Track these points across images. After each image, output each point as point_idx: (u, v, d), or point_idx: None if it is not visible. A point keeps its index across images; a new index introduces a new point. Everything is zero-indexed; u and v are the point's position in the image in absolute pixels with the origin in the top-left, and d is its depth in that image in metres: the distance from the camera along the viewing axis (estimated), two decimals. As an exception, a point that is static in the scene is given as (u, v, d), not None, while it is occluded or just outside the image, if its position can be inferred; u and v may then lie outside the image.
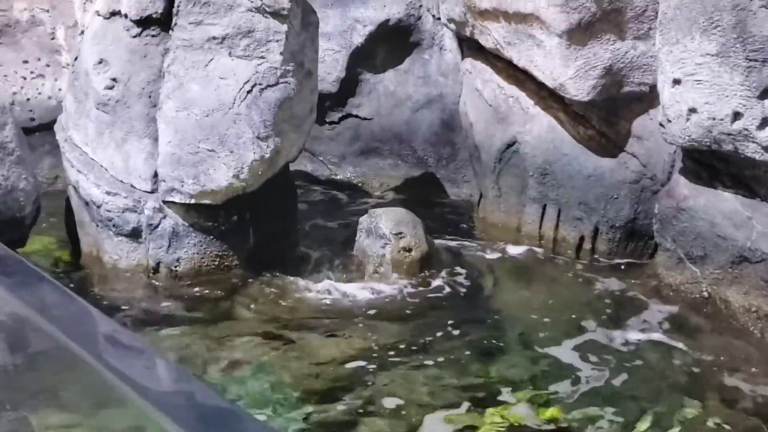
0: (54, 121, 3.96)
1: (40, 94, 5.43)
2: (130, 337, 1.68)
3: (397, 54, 5.74)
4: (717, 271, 3.33)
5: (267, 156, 3.48)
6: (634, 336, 3.30)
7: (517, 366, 3.06)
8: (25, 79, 5.45)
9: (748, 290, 3.22)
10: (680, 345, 3.19)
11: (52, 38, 5.47)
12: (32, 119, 5.37)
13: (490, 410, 2.71)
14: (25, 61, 5.45)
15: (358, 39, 5.66)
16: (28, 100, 5.46)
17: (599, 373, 2.98)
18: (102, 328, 1.62)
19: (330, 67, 5.73)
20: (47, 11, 5.51)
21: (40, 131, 5.24)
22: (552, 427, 2.63)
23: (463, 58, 5.14)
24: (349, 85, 5.83)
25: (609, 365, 3.04)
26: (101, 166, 3.51)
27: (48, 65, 5.46)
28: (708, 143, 3.23)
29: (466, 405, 2.75)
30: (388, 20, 5.61)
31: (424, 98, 5.71)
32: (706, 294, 3.39)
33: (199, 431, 1.16)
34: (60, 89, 5.32)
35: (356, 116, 5.93)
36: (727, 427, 2.63)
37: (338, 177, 6.00)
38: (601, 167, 4.17)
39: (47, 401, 1.78)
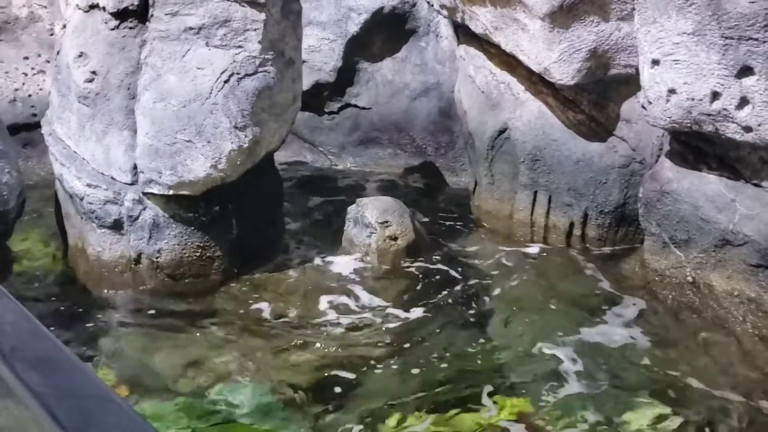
0: None
1: (41, 90, 5.51)
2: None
3: (394, 42, 5.71)
4: (701, 255, 3.25)
5: (245, 146, 3.48)
6: (618, 329, 3.24)
7: (498, 363, 3.02)
8: (26, 75, 5.54)
9: (730, 274, 3.14)
10: (659, 339, 3.13)
11: (51, 34, 5.53)
12: (34, 115, 5.46)
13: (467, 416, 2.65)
14: (26, 58, 5.54)
15: (353, 28, 5.64)
16: (30, 96, 5.55)
17: (582, 368, 2.92)
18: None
19: (327, 57, 5.72)
20: (45, 7, 5.59)
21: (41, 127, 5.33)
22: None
23: (458, 45, 5.09)
24: (346, 75, 5.81)
25: (595, 361, 2.98)
26: (83, 158, 3.54)
27: (48, 61, 5.53)
28: (689, 124, 3.15)
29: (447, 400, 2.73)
30: (382, 8, 5.58)
31: (422, 86, 5.68)
32: (690, 279, 3.32)
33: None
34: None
35: (355, 106, 5.91)
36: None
37: (338, 167, 6.01)
38: (590, 152, 4.10)
39: None
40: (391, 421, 2.58)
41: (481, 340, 3.19)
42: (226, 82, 3.46)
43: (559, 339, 3.15)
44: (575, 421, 2.59)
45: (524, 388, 2.79)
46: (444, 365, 2.96)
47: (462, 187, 5.45)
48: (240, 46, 3.51)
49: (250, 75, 3.52)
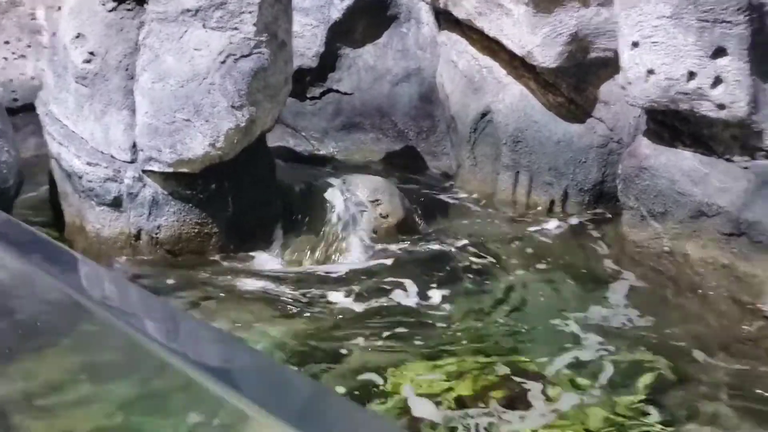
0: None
1: (22, 74, 5.52)
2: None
3: (376, 28, 5.83)
4: (677, 226, 3.46)
5: (242, 125, 3.58)
6: (602, 296, 3.44)
7: (489, 333, 3.17)
8: (6, 59, 5.54)
9: (705, 243, 3.36)
10: (640, 304, 3.33)
11: (33, 18, 5.54)
12: (15, 99, 5.46)
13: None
14: (7, 42, 5.54)
15: (335, 13, 5.74)
16: (11, 80, 5.55)
17: (569, 341, 3.10)
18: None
19: (309, 42, 5.82)
20: (27, -8, 5.59)
21: (23, 112, 5.33)
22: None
23: (439, 31, 5.24)
24: (329, 60, 5.92)
25: (584, 332, 3.15)
26: (81, 138, 3.61)
27: (29, 46, 5.54)
28: (666, 103, 3.35)
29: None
30: (364, -6, 5.70)
31: (404, 72, 5.81)
32: (667, 249, 3.52)
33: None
34: (42, 69, 5.40)
35: (337, 91, 6.02)
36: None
37: (321, 152, 6.11)
38: (569, 133, 4.29)
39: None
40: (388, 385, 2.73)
41: (481, 306, 3.36)
42: (222, 63, 3.56)
43: (553, 304, 3.35)
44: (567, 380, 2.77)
45: (529, 350, 2.96)
46: (449, 333, 3.12)
47: (442, 171, 5.60)
48: (236, 28, 3.60)
49: (246, 56, 3.62)
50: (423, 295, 3.44)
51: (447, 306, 3.35)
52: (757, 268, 3.18)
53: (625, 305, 3.33)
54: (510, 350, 2.98)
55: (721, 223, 3.30)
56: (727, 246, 3.29)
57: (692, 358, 2.93)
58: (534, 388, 2.68)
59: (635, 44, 3.36)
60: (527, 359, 2.89)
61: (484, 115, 4.65)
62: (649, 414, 2.56)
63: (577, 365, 2.87)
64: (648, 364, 2.87)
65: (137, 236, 3.63)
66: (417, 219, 4.29)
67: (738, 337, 3.00)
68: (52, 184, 3.94)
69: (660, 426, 2.50)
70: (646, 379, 2.77)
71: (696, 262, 3.38)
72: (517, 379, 2.74)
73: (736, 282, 3.21)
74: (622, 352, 2.96)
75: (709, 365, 2.87)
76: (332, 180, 4.55)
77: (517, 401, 2.62)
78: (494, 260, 3.85)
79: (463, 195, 4.85)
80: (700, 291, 3.31)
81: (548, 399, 2.63)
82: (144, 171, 3.55)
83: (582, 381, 2.77)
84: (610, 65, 4.09)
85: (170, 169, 3.52)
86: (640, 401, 2.64)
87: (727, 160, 3.35)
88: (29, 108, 5.18)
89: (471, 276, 3.67)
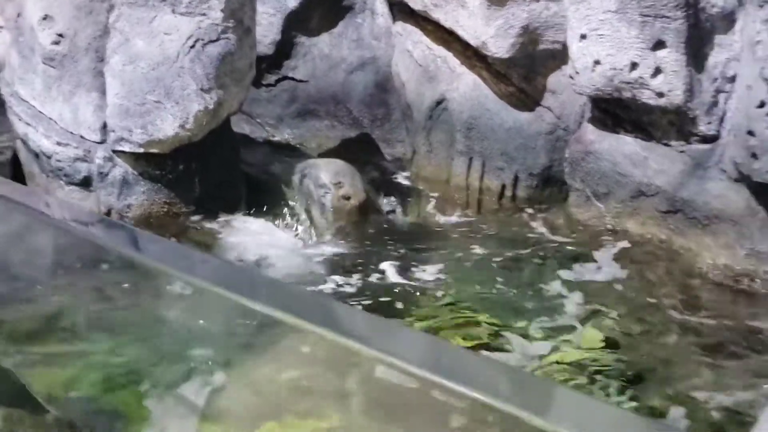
0: None
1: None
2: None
3: (331, 18, 5.98)
4: (618, 206, 3.76)
5: (211, 107, 3.70)
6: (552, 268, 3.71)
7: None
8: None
9: (644, 221, 3.66)
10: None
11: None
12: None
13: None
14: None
15: (292, 2, 5.86)
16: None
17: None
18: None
19: (266, 30, 5.92)
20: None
21: None
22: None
23: (394, 22, 5.43)
24: (284, 48, 6.04)
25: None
26: (50, 118, 3.67)
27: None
28: (611, 91, 3.63)
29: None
30: (321, -16, 5.84)
31: (358, 61, 5.98)
32: (609, 226, 3.82)
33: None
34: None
35: (292, 78, 6.15)
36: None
37: (276, 138, 6.23)
38: (520, 120, 4.55)
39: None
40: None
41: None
42: (191, 47, 3.68)
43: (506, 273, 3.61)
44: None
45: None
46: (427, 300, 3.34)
47: (396, 157, 5.80)
48: (204, 14, 3.72)
49: (214, 41, 3.75)
50: (399, 270, 3.63)
51: (423, 276, 3.56)
52: (691, 242, 3.50)
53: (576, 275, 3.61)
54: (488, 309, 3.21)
55: (658, 202, 3.60)
56: (664, 223, 3.60)
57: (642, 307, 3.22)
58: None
59: (583, 36, 3.63)
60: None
61: (439, 103, 4.87)
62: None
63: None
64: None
65: (107, 214, 3.71)
66: (377, 200, 4.49)
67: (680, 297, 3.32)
68: (16, 164, 3.97)
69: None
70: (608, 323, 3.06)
71: (636, 238, 3.68)
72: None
73: (672, 255, 3.52)
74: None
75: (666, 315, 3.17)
76: (293, 164, 4.71)
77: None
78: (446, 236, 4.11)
79: (418, 180, 5.07)
80: (640, 262, 3.61)
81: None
82: (114, 151, 3.64)
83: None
84: (557, 57, 4.36)
85: (141, 150, 3.62)
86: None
87: (665, 144, 3.65)
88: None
89: (433, 250, 3.90)
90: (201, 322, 1.99)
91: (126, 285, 2.09)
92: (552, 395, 1.73)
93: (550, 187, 4.60)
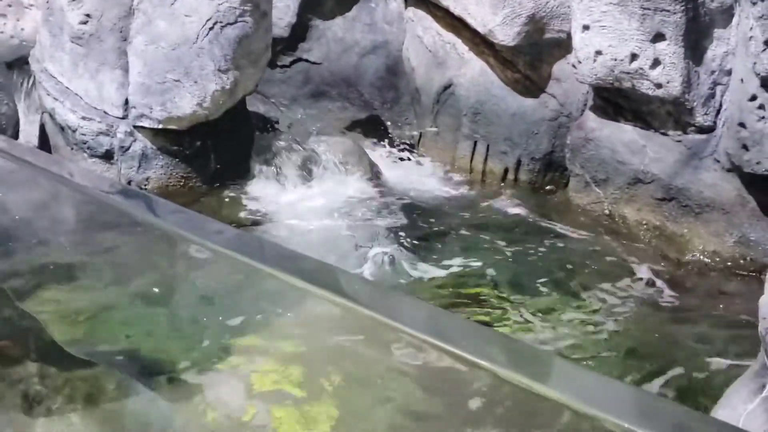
0: (17, 60, 4.32)
1: (2, 33, 5.64)
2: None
3: (346, 2, 6.13)
4: (616, 192, 3.92)
5: (227, 87, 3.88)
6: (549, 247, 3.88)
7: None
8: (-12, 18, 5.65)
9: (641, 207, 3.82)
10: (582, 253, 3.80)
11: (13, -22, 5.65)
12: (-4, 59, 5.60)
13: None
14: (-13, 1, 5.64)
15: (308, -14, 6.03)
16: (-8, 39, 5.67)
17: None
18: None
19: (282, 13, 6.08)
20: (8, -48, 5.69)
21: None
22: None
23: (406, 7, 5.57)
24: (299, 31, 6.20)
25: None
26: (76, 94, 3.86)
27: (10, 5, 5.65)
28: (611, 81, 3.77)
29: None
30: (336, -31, 5.99)
31: (371, 44, 6.13)
32: (607, 212, 3.98)
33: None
34: (22, 29, 5.55)
35: (306, 60, 6.32)
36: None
37: (289, 118, 6.41)
38: (524, 106, 4.70)
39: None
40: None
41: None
42: (210, 29, 3.85)
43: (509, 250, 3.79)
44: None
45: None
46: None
47: (405, 139, 5.97)
48: (223, -3, 3.89)
49: (231, 24, 3.92)
50: (402, 246, 3.82)
51: (424, 253, 3.75)
52: (684, 228, 3.66)
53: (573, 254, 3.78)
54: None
55: (654, 189, 3.76)
56: (659, 209, 3.76)
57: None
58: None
59: (586, 27, 3.77)
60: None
61: (446, 87, 5.02)
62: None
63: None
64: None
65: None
66: (384, 179, 4.67)
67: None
68: (43, 137, 4.17)
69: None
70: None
71: (632, 224, 3.84)
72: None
73: (666, 239, 3.69)
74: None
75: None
76: (303, 142, 4.88)
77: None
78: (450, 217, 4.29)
79: (425, 161, 5.23)
80: (637, 245, 3.77)
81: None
82: (135, 126, 3.82)
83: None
84: (562, 46, 4.50)
85: (160, 126, 3.81)
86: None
87: (663, 133, 3.80)
88: (9, 67, 5.36)
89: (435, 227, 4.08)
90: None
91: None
92: (546, 363, 1.89)
93: (552, 172, 4.76)
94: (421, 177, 4.96)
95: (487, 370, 1.68)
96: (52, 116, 3.95)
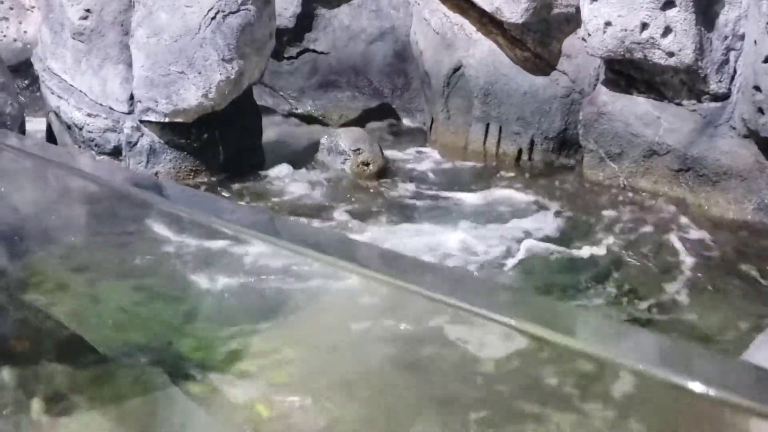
0: (21, 64, 4.31)
1: (5, 36, 5.66)
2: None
3: (350, -11, 6.09)
4: (631, 165, 3.82)
5: (232, 77, 3.84)
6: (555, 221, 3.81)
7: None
8: (-9, 22, 5.66)
9: (656, 179, 3.72)
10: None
11: (16, -19, 5.67)
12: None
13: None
14: (-9, 4, 5.66)
15: (312, -25, 5.98)
16: (-5, 42, 5.69)
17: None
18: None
19: (287, 3, 6.04)
20: (10, -45, 5.70)
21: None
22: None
23: (411, -9, 5.50)
24: (305, 21, 6.16)
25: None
26: (80, 91, 3.84)
27: (11, 8, 5.67)
28: (622, 52, 3.68)
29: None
30: (339, -43, 5.93)
31: (378, 31, 6.08)
32: (623, 185, 3.89)
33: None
34: (25, 31, 5.56)
35: (313, 51, 6.27)
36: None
37: (299, 111, 6.37)
38: (535, 85, 4.61)
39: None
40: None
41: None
42: (212, 18, 3.81)
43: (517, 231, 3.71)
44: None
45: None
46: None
47: (416, 126, 5.91)
48: (224, -14, 3.84)
49: (234, 12, 3.87)
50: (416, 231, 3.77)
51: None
52: (701, 197, 3.56)
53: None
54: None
55: (670, 161, 3.67)
56: (675, 181, 3.67)
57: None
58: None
59: (594, -2, 3.68)
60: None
61: (456, 70, 4.94)
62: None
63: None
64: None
65: (136, 182, 3.89)
66: (395, 167, 4.61)
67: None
68: (50, 137, 4.16)
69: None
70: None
71: (648, 196, 3.75)
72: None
73: (683, 209, 3.59)
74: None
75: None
76: (314, 132, 4.84)
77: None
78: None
79: (437, 147, 5.17)
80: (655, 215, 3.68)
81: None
82: (141, 121, 3.80)
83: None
84: (572, 21, 4.41)
85: (166, 119, 3.77)
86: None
87: (677, 104, 3.70)
88: (13, 70, 5.37)
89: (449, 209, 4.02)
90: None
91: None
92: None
93: (566, 149, 4.68)
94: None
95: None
96: (57, 115, 3.94)
